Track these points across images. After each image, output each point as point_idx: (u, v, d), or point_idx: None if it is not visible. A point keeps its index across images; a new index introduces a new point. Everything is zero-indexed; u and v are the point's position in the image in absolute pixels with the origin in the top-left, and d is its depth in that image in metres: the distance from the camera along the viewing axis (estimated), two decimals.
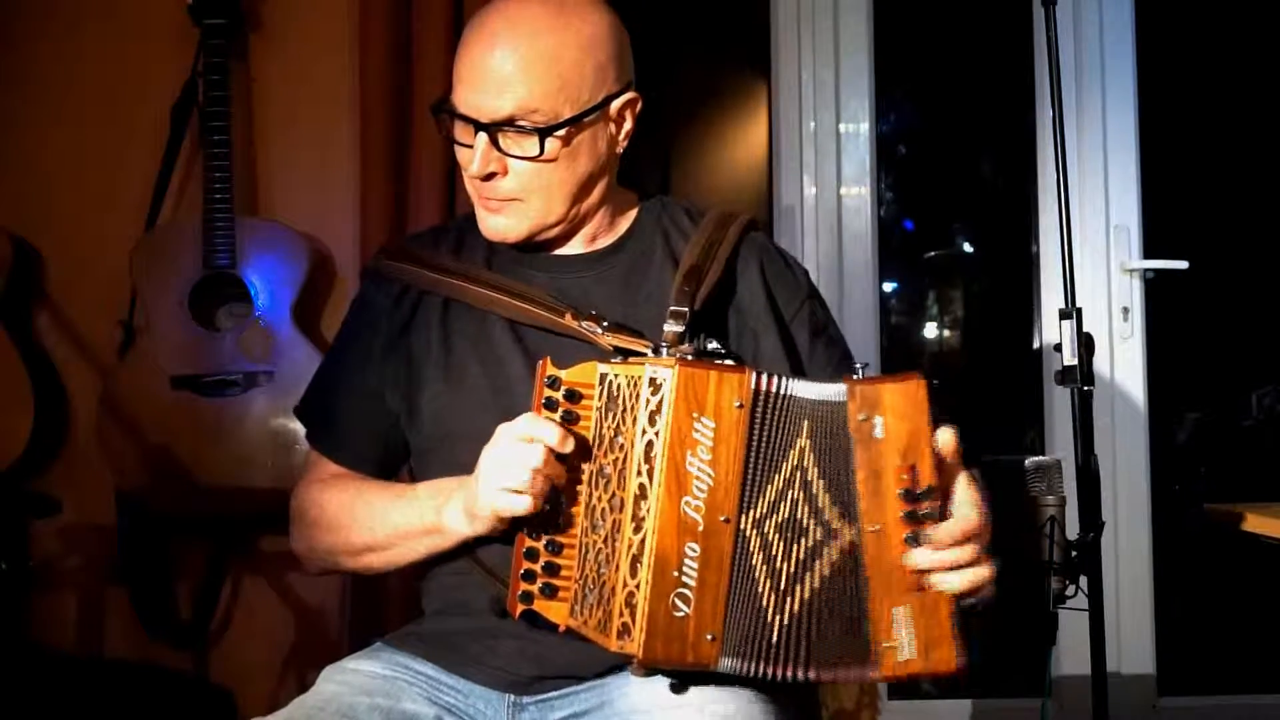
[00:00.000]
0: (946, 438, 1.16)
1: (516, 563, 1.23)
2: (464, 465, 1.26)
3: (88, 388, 2.32)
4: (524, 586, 1.22)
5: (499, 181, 1.34)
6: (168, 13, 2.33)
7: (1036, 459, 1.72)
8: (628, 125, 1.39)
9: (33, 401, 2.26)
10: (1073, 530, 1.74)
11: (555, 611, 1.22)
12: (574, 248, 1.45)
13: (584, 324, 1.31)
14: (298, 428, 1.54)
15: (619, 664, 1.26)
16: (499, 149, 1.32)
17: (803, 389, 1.16)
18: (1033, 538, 1.69)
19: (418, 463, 1.44)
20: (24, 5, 2.40)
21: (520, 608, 1.23)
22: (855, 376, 1.17)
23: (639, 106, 1.40)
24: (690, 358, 1.20)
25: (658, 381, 1.14)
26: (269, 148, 2.40)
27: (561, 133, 1.31)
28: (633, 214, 1.48)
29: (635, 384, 1.16)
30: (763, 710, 1.19)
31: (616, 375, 1.21)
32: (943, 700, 2.60)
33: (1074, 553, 1.71)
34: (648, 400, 1.14)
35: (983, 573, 1.16)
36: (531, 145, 1.31)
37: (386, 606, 2.19)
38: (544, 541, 1.22)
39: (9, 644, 2.22)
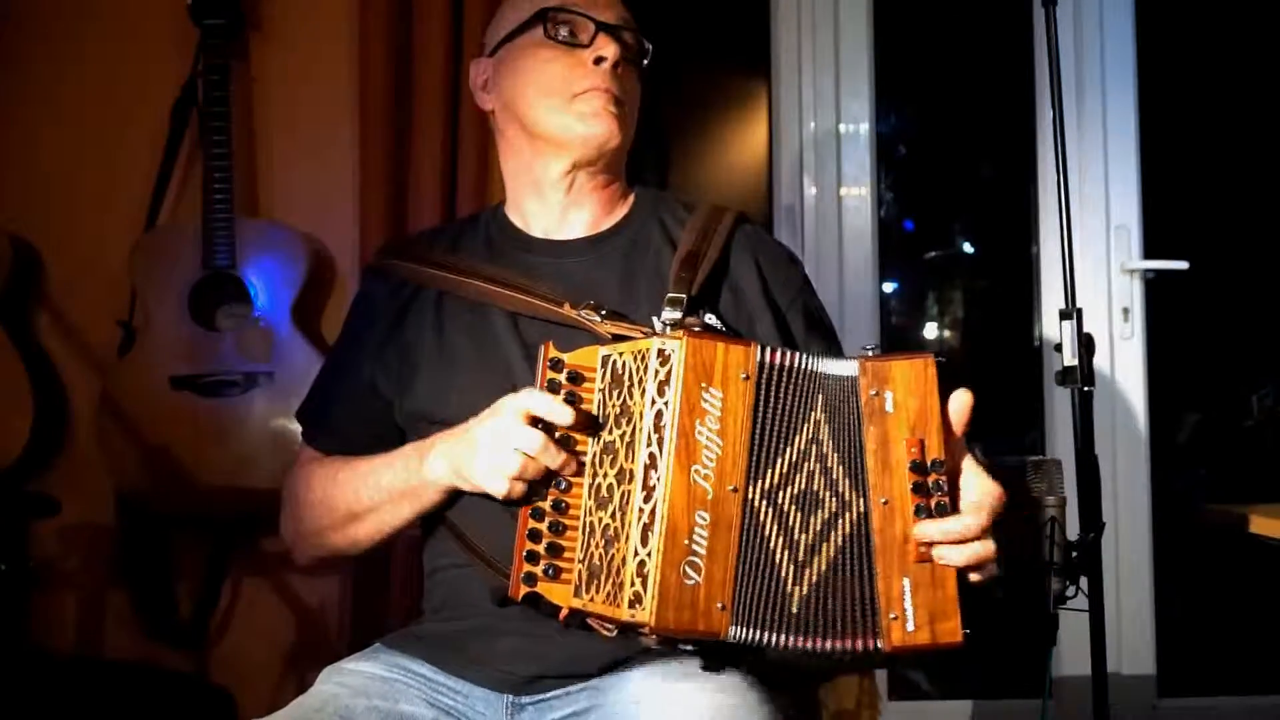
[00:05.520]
0: (959, 403, 1.20)
1: (519, 543, 1.24)
2: None
3: (88, 388, 2.32)
4: (527, 568, 1.23)
5: (621, 79, 1.44)
6: (168, 13, 2.33)
7: (1036, 459, 1.72)
8: None
9: (32, 401, 2.26)
10: (1073, 531, 1.74)
11: (558, 593, 1.23)
12: (575, 231, 1.48)
13: (582, 312, 1.33)
14: (298, 428, 1.55)
15: (616, 661, 1.27)
16: (621, 44, 1.43)
17: (815, 363, 1.19)
18: (1033, 538, 1.69)
19: None
20: (24, 5, 2.39)
21: (524, 590, 1.23)
22: (868, 355, 1.21)
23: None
24: (697, 329, 1.23)
25: (666, 353, 1.17)
26: (269, 148, 2.40)
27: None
28: (630, 200, 1.52)
29: (643, 357, 1.19)
30: (761, 703, 1.19)
31: (621, 355, 1.23)
32: (943, 700, 2.60)
33: (1074, 553, 1.71)
34: (656, 371, 1.17)
35: (987, 547, 1.18)
36: (643, 49, 1.48)
37: (386, 607, 2.19)
38: (547, 522, 1.23)
39: (9, 644, 2.21)
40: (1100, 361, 2.46)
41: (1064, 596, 1.71)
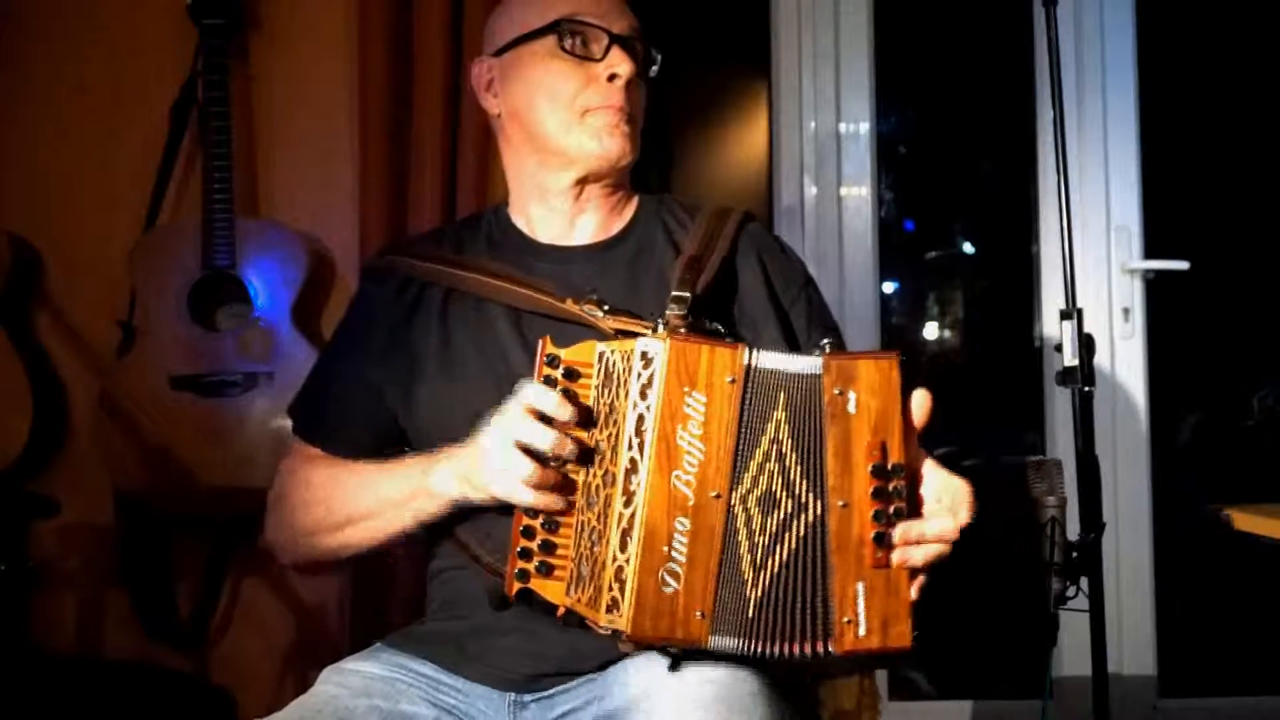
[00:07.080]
0: (919, 403, 1.18)
1: (514, 540, 1.23)
2: None
3: (87, 388, 2.32)
4: (521, 565, 1.22)
5: (630, 93, 1.42)
6: (168, 13, 2.33)
7: (1036, 459, 1.72)
8: None
9: (32, 402, 2.26)
10: (1073, 531, 1.74)
11: (551, 591, 1.22)
12: (582, 237, 1.47)
13: (585, 308, 1.32)
14: None
15: (617, 656, 1.26)
16: (634, 59, 1.41)
17: (783, 362, 1.17)
18: (1033, 538, 1.69)
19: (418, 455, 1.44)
20: (24, 5, 2.39)
21: (517, 586, 1.22)
22: (827, 350, 1.18)
23: None
24: (684, 331, 1.20)
25: (649, 355, 1.14)
26: (269, 148, 2.40)
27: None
28: (633, 207, 1.51)
29: (628, 358, 1.17)
30: (758, 695, 1.17)
31: (613, 352, 1.21)
32: (943, 700, 2.60)
33: (1074, 553, 1.71)
34: (639, 373, 1.14)
35: (944, 550, 1.18)
36: (651, 59, 1.45)
37: (387, 606, 2.19)
38: (541, 519, 1.22)
39: (9, 644, 2.21)
40: (1100, 361, 2.46)
41: (1064, 596, 1.71)
